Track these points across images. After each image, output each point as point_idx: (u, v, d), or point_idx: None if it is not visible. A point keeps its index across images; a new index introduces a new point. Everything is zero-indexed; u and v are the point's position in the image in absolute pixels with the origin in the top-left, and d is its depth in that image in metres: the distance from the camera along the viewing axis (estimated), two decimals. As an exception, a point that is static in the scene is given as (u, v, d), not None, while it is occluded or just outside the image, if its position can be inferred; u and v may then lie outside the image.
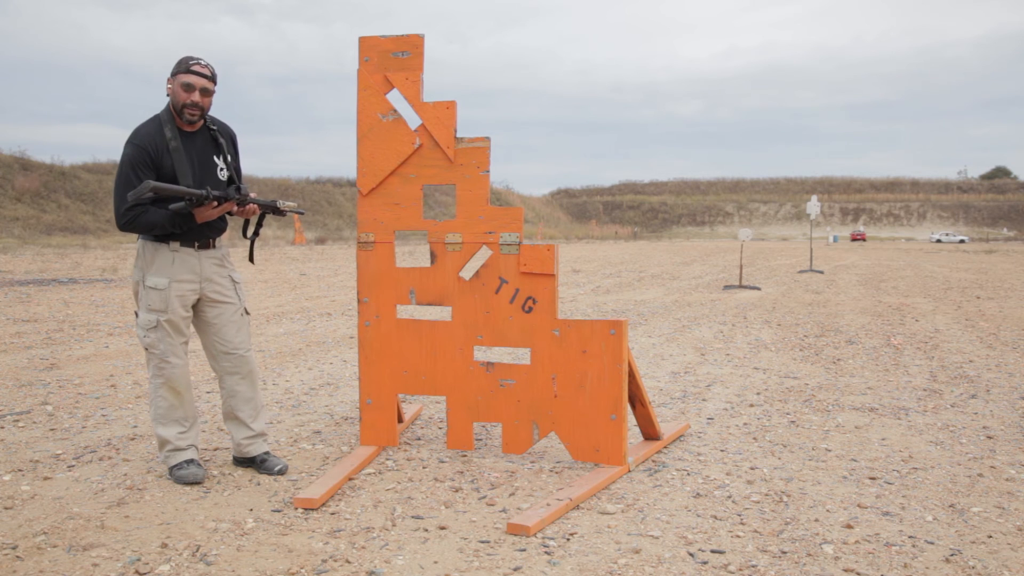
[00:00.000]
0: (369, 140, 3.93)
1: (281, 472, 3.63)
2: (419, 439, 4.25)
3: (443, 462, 3.82)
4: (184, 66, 3.44)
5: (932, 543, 2.90)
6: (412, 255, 23.82)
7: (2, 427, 4.42)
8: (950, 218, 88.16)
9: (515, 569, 2.67)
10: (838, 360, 6.85)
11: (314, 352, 7.14)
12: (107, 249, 26.66)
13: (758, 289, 14.36)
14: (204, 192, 3.36)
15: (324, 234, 43.88)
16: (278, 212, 3.69)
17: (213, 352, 3.65)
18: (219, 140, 3.61)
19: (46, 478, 3.55)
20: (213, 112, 3.62)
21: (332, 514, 3.15)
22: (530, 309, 3.77)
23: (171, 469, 3.52)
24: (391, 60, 3.89)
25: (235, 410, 3.66)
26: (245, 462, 3.72)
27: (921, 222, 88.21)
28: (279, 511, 3.18)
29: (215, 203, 3.42)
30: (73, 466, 3.73)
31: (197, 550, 2.79)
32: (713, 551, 2.82)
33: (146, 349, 3.52)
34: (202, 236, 3.54)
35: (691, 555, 2.79)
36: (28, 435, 4.26)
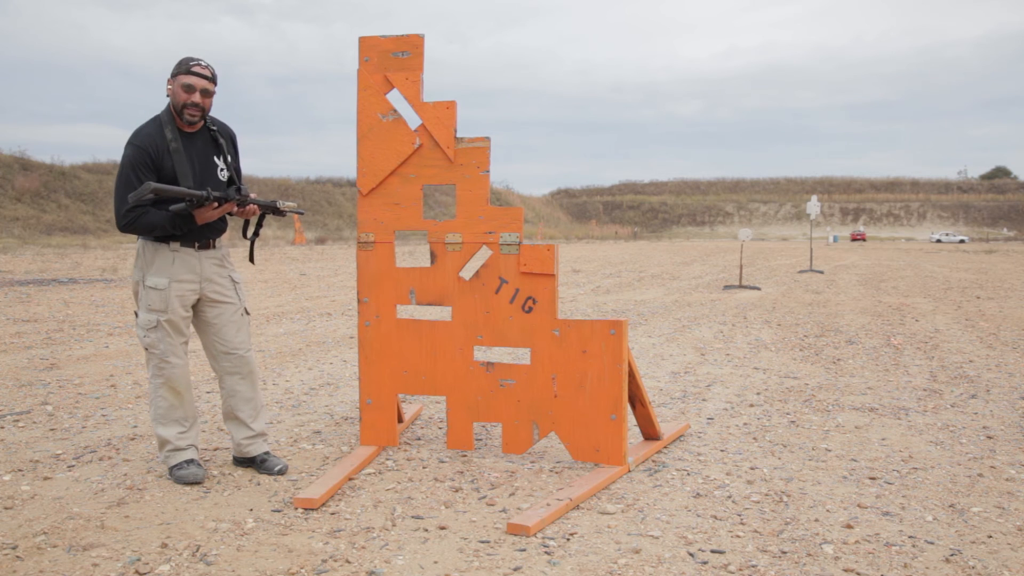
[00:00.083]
0: (369, 140, 3.93)
1: (281, 472, 3.63)
2: (419, 439, 4.25)
3: (443, 462, 3.82)
4: (184, 67, 3.44)
5: (932, 543, 2.90)
6: (412, 255, 23.82)
7: (2, 427, 4.42)
8: (950, 218, 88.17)
9: (515, 569, 2.67)
10: (838, 360, 6.85)
11: (314, 352, 7.14)
12: (107, 249, 26.66)
13: (758, 289, 14.36)
14: (204, 193, 3.36)
15: (324, 234, 43.88)
16: (278, 212, 3.69)
17: (213, 352, 3.65)
18: (219, 140, 3.61)
19: (46, 478, 3.55)
20: (213, 112, 3.62)
21: (332, 514, 3.15)
22: (530, 309, 3.77)
23: (171, 469, 3.52)
24: (391, 60, 3.89)
25: (235, 410, 3.66)
26: (245, 462, 3.72)
27: (921, 222, 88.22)
28: (279, 511, 3.18)
29: (215, 204, 3.43)
30: (73, 466, 3.73)
31: (197, 550, 2.79)
32: (713, 551, 2.82)
33: (146, 349, 3.52)
34: (202, 236, 3.54)
35: (691, 555, 2.79)
36: (28, 435, 4.27)
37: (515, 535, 2.94)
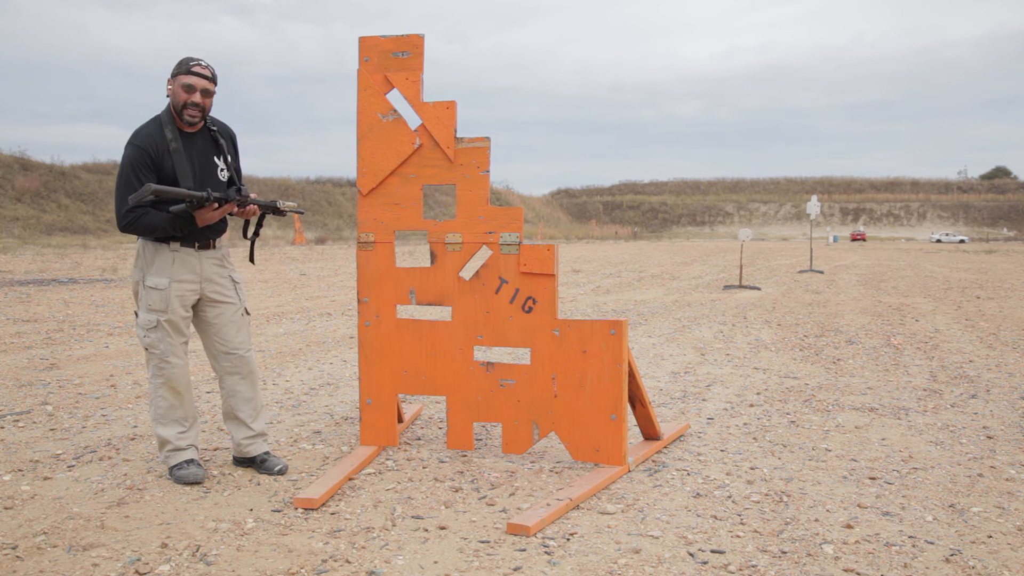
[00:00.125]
0: (369, 140, 3.93)
1: (281, 472, 3.63)
2: (419, 439, 4.25)
3: (443, 462, 3.82)
4: (184, 67, 3.44)
5: (932, 543, 2.90)
6: (412, 255, 23.82)
7: (2, 427, 4.42)
8: (950, 218, 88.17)
9: (515, 569, 2.67)
10: (838, 360, 6.85)
11: (314, 352, 7.14)
12: (107, 249, 26.66)
13: (758, 289, 14.36)
14: (205, 194, 3.36)
15: (324, 234, 43.88)
16: (278, 212, 3.69)
17: (213, 352, 3.65)
18: (219, 141, 3.62)
19: (46, 478, 3.55)
20: (213, 112, 3.62)
21: (332, 514, 3.15)
22: (530, 309, 3.77)
23: (171, 469, 3.52)
24: (391, 60, 3.89)
25: (235, 410, 3.66)
26: (245, 462, 3.72)
27: (921, 222, 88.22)
28: (279, 511, 3.18)
29: (216, 205, 3.43)
30: (73, 466, 3.73)
31: (197, 550, 2.79)
32: (713, 551, 2.82)
33: (146, 349, 3.52)
34: (202, 236, 3.54)
35: (691, 555, 2.79)
36: (28, 435, 4.27)
37: (515, 535, 2.94)
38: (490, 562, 2.72)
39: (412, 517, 3.13)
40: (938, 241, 63.29)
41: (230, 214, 3.58)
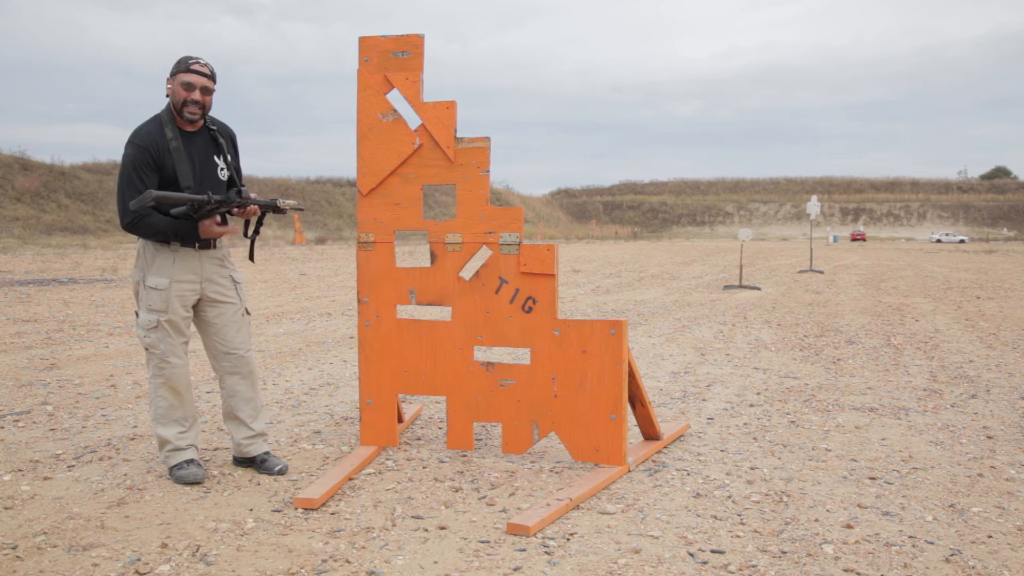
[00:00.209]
0: (369, 140, 3.93)
1: (281, 472, 3.63)
2: (419, 439, 4.25)
3: (443, 462, 3.82)
4: (184, 65, 3.45)
5: (932, 543, 2.90)
6: (412, 255, 23.82)
7: (2, 427, 4.42)
8: (950, 218, 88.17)
9: (515, 569, 2.67)
10: (838, 360, 6.85)
11: (314, 352, 7.14)
12: (107, 249, 26.67)
13: (758, 289, 14.36)
14: (205, 197, 3.36)
15: (324, 234, 43.88)
16: (279, 211, 3.69)
17: (213, 352, 3.65)
18: (219, 140, 3.62)
19: (46, 478, 3.55)
20: (213, 112, 3.62)
21: (332, 514, 3.15)
22: (530, 309, 3.77)
23: (171, 469, 3.52)
24: (391, 60, 3.89)
25: (235, 410, 3.66)
26: (245, 462, 3.72)
27: (921, 222, 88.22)
28: (279, 511, 3.18)
29: (219, 219, 3.44)
30: (73, 466, 3.73)
31: (197, 550, 2.79)
32: (713, 551, 2.82)
33: (146, 349, 3.52)
34: (203, 236, 3.53)
35: (691, 555, 2.79)
36: (28, 435, 4.27)
37: (515, 535, 2.94)
38: (490, 562, 2.72)
39: (412, 517, 3.13)
40: (938, 241, 63.29)
41: (230, 214, 3.58)
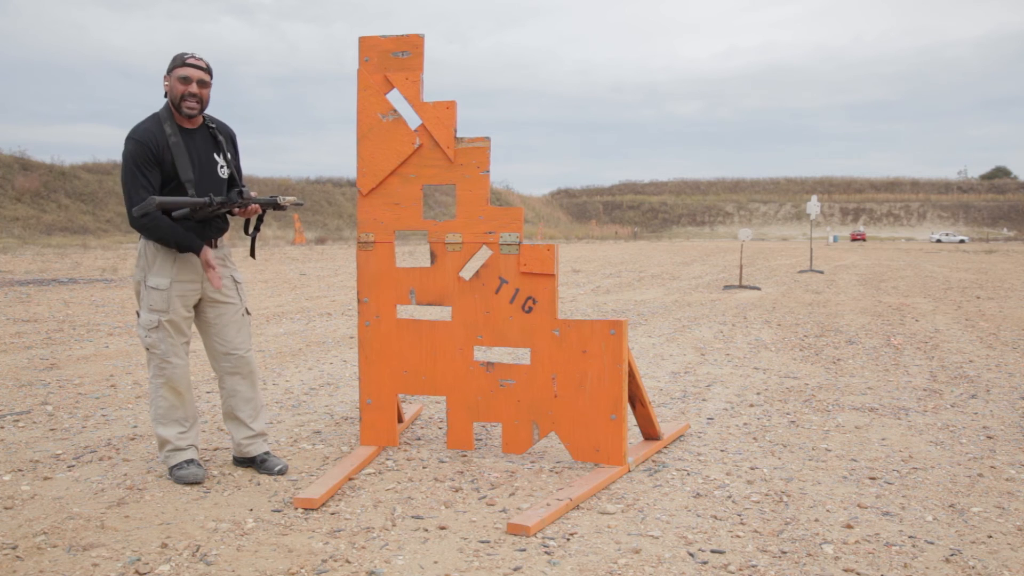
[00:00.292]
0: (369, 140, 3.93)
1: (281, 472, 3.63)
2: (419, 439, 4.25)
3: (443, 462, 3.82)
4: (179, 61, 3.47)
5: (932, 543, 2.90)
6: (412, 255, 23.82)
7: (2, 427, 4.42)
8: (950, 218, 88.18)
9: (515, 569, 2.67)
10: (838, 360, 6.85)
11: (314, 352, 7.14)
12: (107, 249, 26.67)
13: (758, 289, 14.36)
14: (207, 199, 3.37)
15: (324, 234, 43.88)
16: (279, 208, 3.69)
17: (214, 352, 3.65)
18: (218, 137, 3.62)
19: (46, 478, 3.55)
20: (213, 112, 3.63)
21: (332, 514, 3.15)
22: (530, 309, 3.77)
23: (171, 469, 3.52)
24: (391, 60, 3.89)
25: (235, 410, 3.66)
26: (245, 462, 3.72)
27: (921, 222, 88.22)
28: (279, 511, 3.18)
29: (210, 256, 3.47)
30: (73, 466, 3.73)
31: (197, 550, 2.79)
32: (713, 551, 2.82)
33: (147, 349, 3.52)
34: (204, 236, 3.54)
35: (691, 555, 2.79)
36: (28, 435, 4.27)
37: (515, 535, 2.94)
38: (490, 562, 2.72)
39: (412, 517, 3.13)
40: (938, 241, 63.28)
41: (231, 213, 3.58)
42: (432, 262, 3.91)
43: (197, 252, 3.46)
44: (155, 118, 3.49)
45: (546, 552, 2.80)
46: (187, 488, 3.43)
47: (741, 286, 14.73)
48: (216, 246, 3.60)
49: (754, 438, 4.34)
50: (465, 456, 3.92)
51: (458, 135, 3.84)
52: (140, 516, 3.11)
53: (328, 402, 5.16)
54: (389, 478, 3.60)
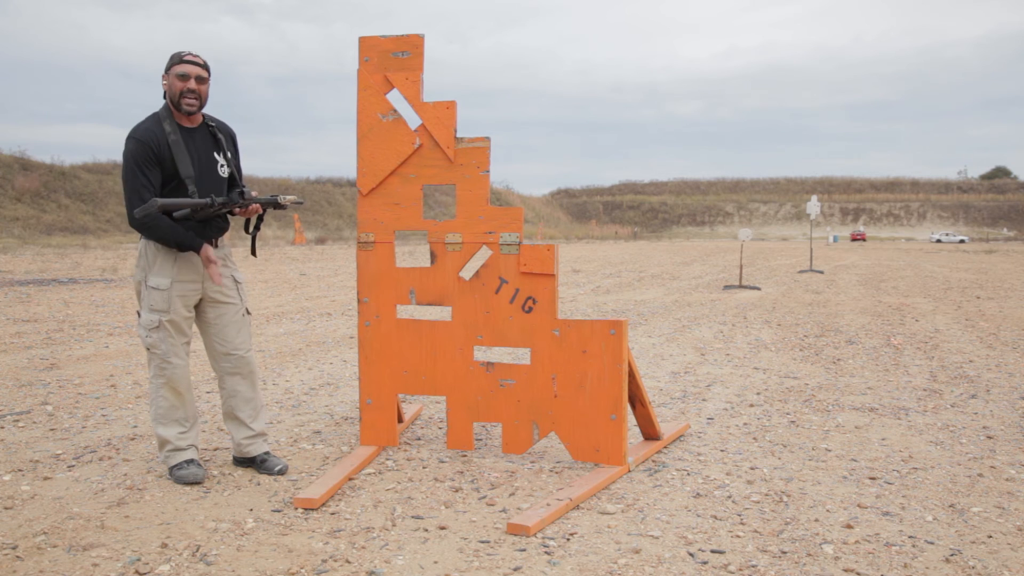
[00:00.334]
0: (369, 140, 3.93)
1: (281, 472, 3.63)
2: (419, 439, 4.25)
3: (443, 462, 3.82)
4: (176, 59, 3.49)
5: (932, 543, 2.90)
6: (412, 255, 23.82)
7: (2, 427, 4.42)
8: (950, 218, 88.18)
9: (515, 569, 2.67)
10: (838, 360, 6.85)
11: (314, 352, 7.14)
12: (107, 249, 26.67)
13: (758, 289, 14.36)
14: (208, 200, 3.37)
15: (324, 234, 43.89)
16: (280, 207, 3.70)
17: (214, 352, 3.65)
18: (218, 136, 3.62)
19: (46, 478, 3.55)
20: (213, 112, 3.63)
21: (332, 514, 3.15)
22: (530, 309, 3.77)
23: (171, 469, 3.52)
24: (391, 60, 3.89)
25: (235, 410, 3.66)
26: (245, 462, 3.72)
27: (921, 222, 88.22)
28: (279, 511, 3.18)
29: (211, 254, 3.46)
30: (73, 466, 3.73)
31: (197, 550, 2.79)
32: (713, 551, 2.82)
33: (148, 349, 3.52)
34: (205, 236, 3.54)
35: (691, 555, 2.79)
36: (28, 435, 4.27)
37: (515, 535, 2.94)
38: (490, 562, 2.72)
39: (412, 517, 3.13)
40: (938, 241, 63.28)
41: (232, 213, 3.58)
42: (432, 262, 3.91)
43: (197, 250, 3.46)
44: (155, 117, 3.50)
45: (546, 552, 2.80)
46: (187, 488, 3.43)
47: (741, 286, 14.73)
48: (217, 245, 3.60)
49: (754, 438, 4.34)
50: (465, 456, 3.92)
51: (458, 135, 3.84)
52: (140, 516, 3.11)
53: (328, 402, 5.16)
54: (389, 478, 3.60)
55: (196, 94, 3.48)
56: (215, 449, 4.04)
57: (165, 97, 3.52)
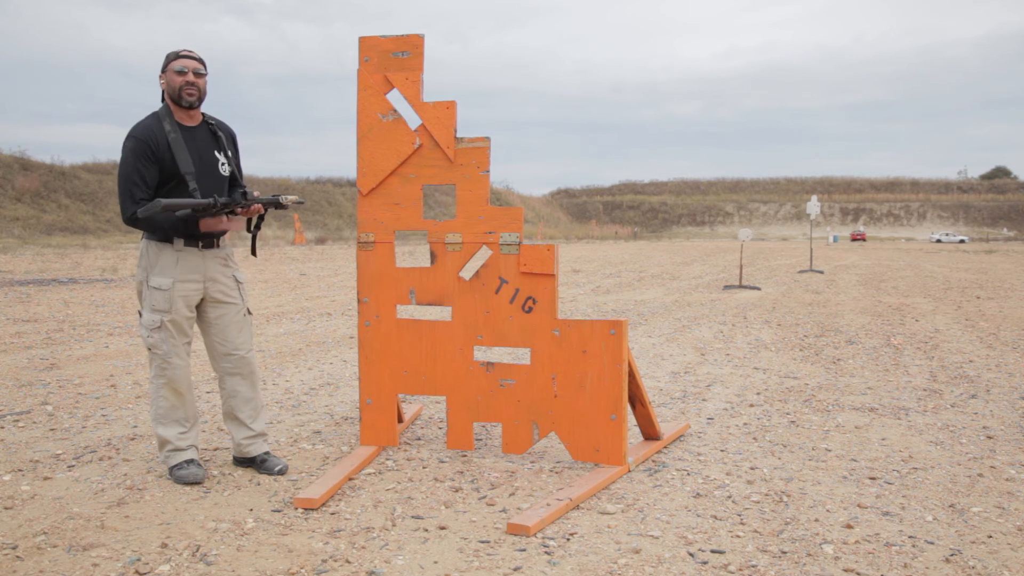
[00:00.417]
0: (369, 140, 3.93)
1: (281, 472, 3.63)
2: (419, 439, 4.25)
3: (443, 462, 3.82)
4: (173, 56, 3.51)
5: (932, 543, 2.90)
6: (412, 255, 23.82)
7: (2, 427, 4.42)
8: (950, 218, 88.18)
9: (515, 569, 2.67)
10: (838, 360, 6.85)
11: (314, 352, 7.14)
12: (107, 249, 26.67)
13: (758, 289, 14.36)
14: (211, 201, 3.37)
15: (324, 234, 43.89)
16: (281, 206, 3.70)
17: (215, 352, 3.65)
18: (218, 134, 3.63)
19: (46, 478, 3.55)
20: (213, 112, 3.63)
21: (332, 514, 3.15)
22: (530, 309, 3.77)
23: (171, 469, 3.52)
24: (391, 60, 3.89)
25: (235, 410, 3.66)
26: (245, 462, 3.72)
27: (921, 222, 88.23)
28: (279, 511, 3.18)
29: (224, 218, 3.45)
30: (73, 466, 3.73)
31: (197, 550, 2.79)
32: (713, 551, 2.82)
33: (149, 349, 3.52)
34: (206, 235, 3.54)
35: (691, 555, 2.79)
36: (28, 435, 4.27)
37: (515, 535, 2.94)
38: (490, 562, 2.72)
39: (412, 517, 3.13)
40: (938, 241, 63.28)
41: (234, 213, 3.58)
42: (432, 262, 3.91)
43: (206, 209, 3.39)
44: (154, 116, 3.50)
45: (546, 552, 2.80)
46: (187, 488, 3.43)
47: (741, 286, 14.73)
48: (218, 245, 3.60)
49: (754, 438, 4.34)
50: (465, 456, 3.92)
51: (458, 135, 3.84)
52: (140, 516, 3.11)
53: (328, 402, 5.16)
54: (389, 478, 3.60)
55: (195, 86, 3.49)
56: (215, 449, 4.04)
57: (164, 98, 3.53)
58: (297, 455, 3.96)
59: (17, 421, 4.55)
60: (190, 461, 3.52)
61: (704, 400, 5.30)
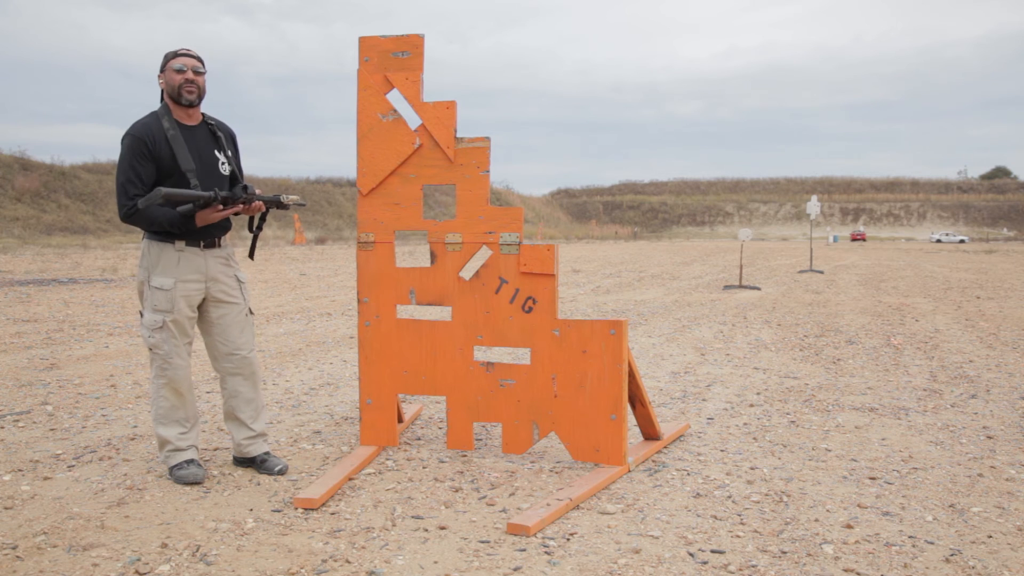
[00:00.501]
0: (369, 140, 3.93)
1: (281, 472, 3.63)
2: (419, 439, 4.25)
3: (443, 462, 3.82)
4: (171, 55, 3.52)
5: (932, 543, 2.90)
6: (412, 255, 23.82)
7: (2, 427, 4.42)
8: (950, 218, 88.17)
9: (515, 569, 2.67)
10: (838, 360, 6.85)
11: (314, 352, 7.14)
12: (107, 249, 26.66)
13: (758, 289, 14.36)
14: (212, 194, 3.37)
15: (324, 234, 43.89)
16: (282, 206, 3.70)
17: (216, 352, 3.65)
18: (217, 134, 3.63)
19: (46, 478, 3.55)
20: (213, 112, 3.63)
21: (332, 514, 3.15)
22: (530, 309, 3.77)
23: (171, 469, 3.52)
24: (391, 60, 3.89)
25: (236, 410, 3.66)
26: (245, 462, 3.72)
27: (921, 222, 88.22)
28: (279, 511, 3.18)
29: (220, 207, 3.44)
30: (73, 466, 3.73)
31: (197, 550, 2.79)
32: (713, 551, 2.82)
33: (150, 349, 3.52)
34: (208, 235, 3.54)
35: (691, 555, 2.79)
36: (28, 435, 4.27)
37: (515, 535, 2.94)
38: (490, 562, 2.72)
39: (412, 517, 3.13)
40: (938, 241, 63.27)
41: (235, 213, 3.58)
42: (432, 262, 3.91)
43: (204, 200, 3.37)
44: (153, 115, 3.51)
45: (546, 552, 2.80)
46: (187, 488, 3.43)
47: (741, 286, 14.73)
48: (220, 245, 3.61)
49: (754, 438, 4.34)
50: (465, 456, 3.92)
51: (458, 135, 3.84)
52: (140, 516, 3.11)
53: (328, 402, 5.16)
54: (389, 478, 3.60)
55: (195, 84, 3.49)
56: (215, 449, 4.04)
57: (163, 97, 3.53)
58: (297, 455, 3.96)
59: (17, 421, 4.55)
60: (190, 461, 3.52)
61: (704, 400, 5.30)
